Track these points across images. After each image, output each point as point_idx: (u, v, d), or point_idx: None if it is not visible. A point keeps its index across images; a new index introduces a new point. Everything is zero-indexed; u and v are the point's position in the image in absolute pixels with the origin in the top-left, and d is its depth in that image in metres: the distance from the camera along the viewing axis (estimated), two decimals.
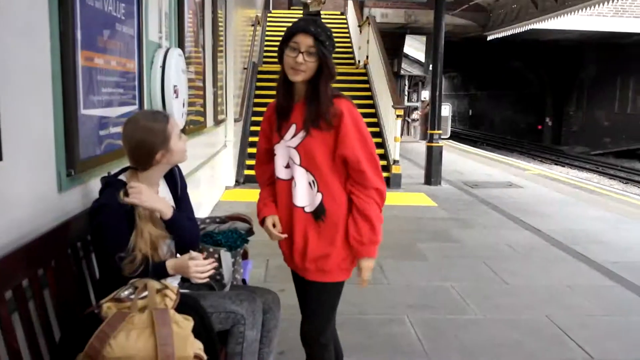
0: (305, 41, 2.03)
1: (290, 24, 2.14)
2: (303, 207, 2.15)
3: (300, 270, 2.23)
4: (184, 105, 4.00)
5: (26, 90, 1.91)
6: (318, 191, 2.13)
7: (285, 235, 2.21)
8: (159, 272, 1.99)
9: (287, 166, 2.18)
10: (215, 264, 2.12)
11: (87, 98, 2.39)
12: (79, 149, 2.28)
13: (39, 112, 2.02)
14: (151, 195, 2.01)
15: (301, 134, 2.11)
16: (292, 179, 2.17)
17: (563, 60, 21.73)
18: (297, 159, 2.14)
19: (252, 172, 7.89)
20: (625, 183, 14.78)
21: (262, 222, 2.26)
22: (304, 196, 2.14)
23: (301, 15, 12.03)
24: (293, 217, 2.17)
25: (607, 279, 4.64)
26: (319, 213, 2.14)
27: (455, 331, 3.55)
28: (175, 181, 2.29)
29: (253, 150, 8.45)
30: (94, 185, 2.43)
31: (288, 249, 2.24)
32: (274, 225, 2.22)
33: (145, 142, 2.01)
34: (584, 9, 12.79)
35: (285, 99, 2.16)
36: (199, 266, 2.00)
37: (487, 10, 16.40)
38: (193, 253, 2.05)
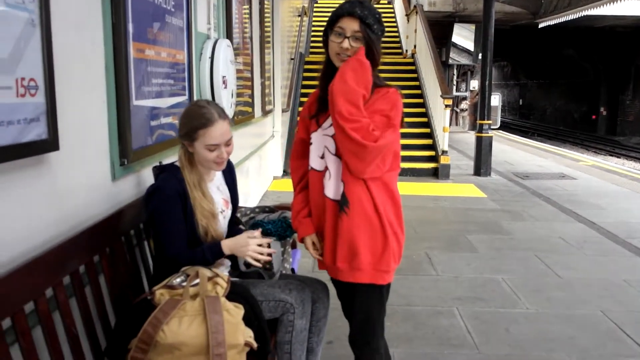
0: (351, 25, 1.88)
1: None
2: (337, 200, 1.99)
3: (332, 271, 2.07)
4: (232, 96, 4.04)
5: (81, 82, 1.96)
6: (341, 180, 1.97)
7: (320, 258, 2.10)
8: (214, 251, 2.03)
9: (322, 157, 2.04)
10: (273, 251, 2.12)
11: (139, 89, 2.43)
12: (132, 139, 2.32)
13: (93, 103, 2.07)
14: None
15: None
16: (325, 169, 2.02)
17: (619, 48, 20.93)
18: (332, 148, 2.00)
19: None
20: None
21: (301, 241, 2.15)
22: (339, 189, 1.98)
23: None
24: (325, 211, 2.03)
25: None
26: (341, 204, 1.97)
27: (506, 324, 3.48)
28: (232, 173, 2.32)
29: None
30: (146, 175, 2.49)
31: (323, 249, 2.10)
32: (314, 245, 2.11)
33: (181, 119, 2.11)
34: None
35: (327, 88, 1.97)
36: (257, 245, 2.03)
37: None
38: (255, 232, 2.09)
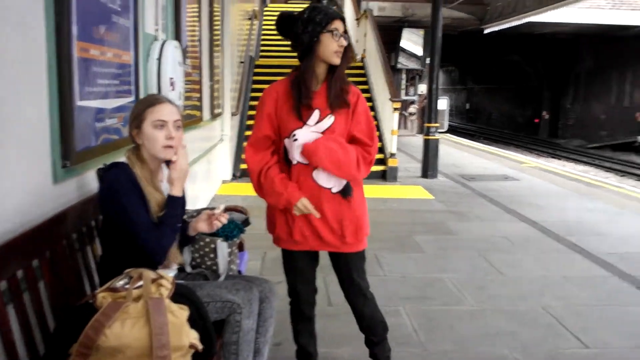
0: (341, 26, 2.26)
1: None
2: (330, 188, 2.33)
3: (335, 247, 2.43)
4: (180, 98, 3.99)
5: (20, 81, 1.91)
6: None
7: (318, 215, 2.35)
8: (173, 206, 2.11)
9: None
10: (226, 215, 2.27)
11: (83, 89, 2.39)
12: (75, 140, 2.28)
13: (33, 103, 2.02)
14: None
15: (329, 118, 2.29)
16: None
17: (560, 54, 21.71)
18: None
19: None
20: (622, 175, 14.82)
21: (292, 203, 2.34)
22: (331, 177, 2.31)
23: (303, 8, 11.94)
24: (321, 200, 2.33)
25: (602, 270, 4.65)
26: (347, 191, 2.34)
27: (450, 322, 3.56)
28: None
29: None
30: (90, 177, 2.44)
31: (309, 231, 2.36)
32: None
33: (130, 113, 2.15)
34: (582, 1, 12.76)
35: (314, 86, 2.31)
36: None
37: (485, 3, 16.38)
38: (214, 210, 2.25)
